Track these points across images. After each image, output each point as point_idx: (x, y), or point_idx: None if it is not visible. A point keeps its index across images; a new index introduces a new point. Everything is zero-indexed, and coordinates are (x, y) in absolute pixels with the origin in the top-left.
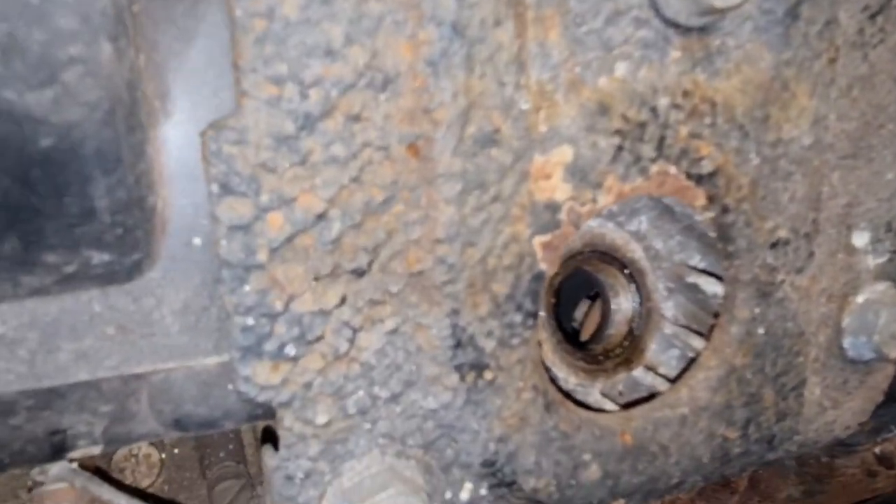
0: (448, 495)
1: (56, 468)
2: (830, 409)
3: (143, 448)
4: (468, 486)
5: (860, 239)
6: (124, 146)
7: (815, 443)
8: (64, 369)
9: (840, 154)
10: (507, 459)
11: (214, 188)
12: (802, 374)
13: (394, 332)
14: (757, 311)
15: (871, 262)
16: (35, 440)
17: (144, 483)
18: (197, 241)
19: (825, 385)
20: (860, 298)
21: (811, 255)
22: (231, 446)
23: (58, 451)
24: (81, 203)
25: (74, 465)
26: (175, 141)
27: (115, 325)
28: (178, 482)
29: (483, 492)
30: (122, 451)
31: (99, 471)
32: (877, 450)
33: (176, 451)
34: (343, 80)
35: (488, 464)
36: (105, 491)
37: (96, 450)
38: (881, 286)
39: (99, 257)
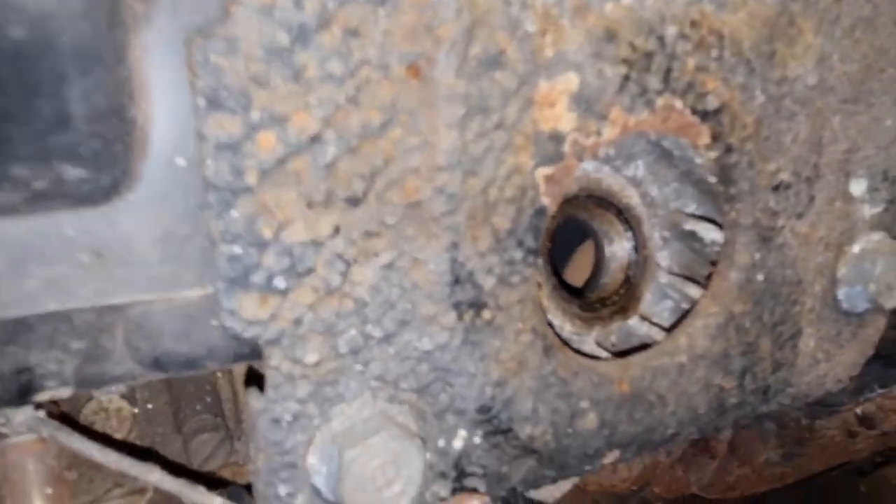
0: (441, 443)
1: (20, 416)
2: (823, 362)
3: (115, 401)
4: (462, 433)
5: (857, 187)
6: (104, 44)
7: (807, 396)
8: (32, 298)
9: (841, 97)
10: (503, 405)
11: (201, 102)
12: (798, 324)
13: (389, 266)
14: (757, 256)
15: (868, 211)
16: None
17: (115, 437)
18: (181, 161)
19: (819, 336)
20: (856, 248)
21: (811, 200)
22: (208, 399)
23: (24, 392)
24: (55, 106)
25: (41, 413)
26: (157, 48)
27: (90, 252)
28: (152, 437)
29: (477, 440)
30: (91, 405)
31: (68, 421)
32: (858, 410)
33: (149, 405)
34: None
35: (484, 410)
36: (75, 440)
37: (66, 392)
38: (877, 236)
39: (73, 172)
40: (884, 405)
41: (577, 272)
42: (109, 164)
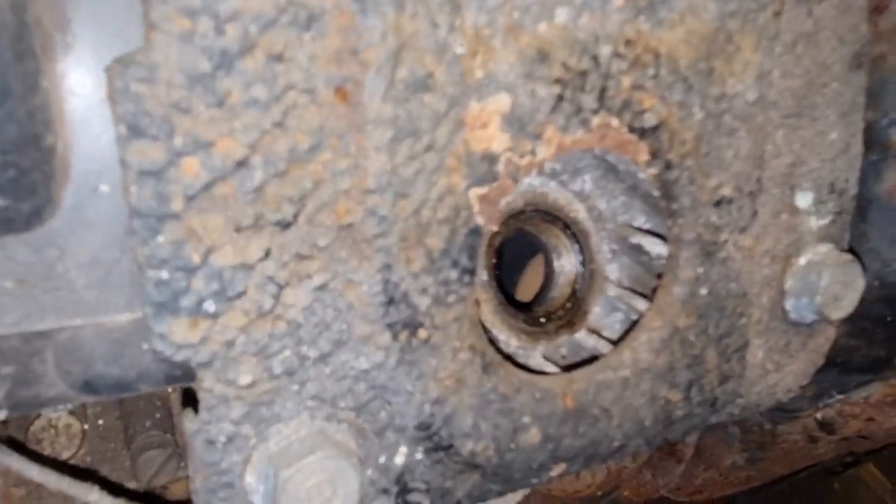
0: (382, 459)
1: None
2: (773, 372)
3: (63, 418)
4: (403, 449)
5: (803, 199)
6: (11, 75)
7: (758, 406)
8: None
9: (784, 112)
10: (443, 422)
11: (122, 129)
12: (745, 335)
13: (322, 288)
14: (700, 270)
15: (815, 223)
16: None
17: (65, 455)
18: (105, 187)
19: (768, 347)
20: (803, 260)
21: (755, 214)
22: (158, 415)
23: None
24: None
25: None
26: (77, 77)
27: (14, 279)
28: (102, 453)
29: (419, 456)
30: (40, 422)
31: (12, 441)
32: (818, 415)
33: (100, 421)
34: (263, 15)
35: (424, 427)
36: (14, 461)
37: (0, 415)
38: (824, 248)
39: None
40: (843, 411)
41: (530, 285)
42: (28, 192)
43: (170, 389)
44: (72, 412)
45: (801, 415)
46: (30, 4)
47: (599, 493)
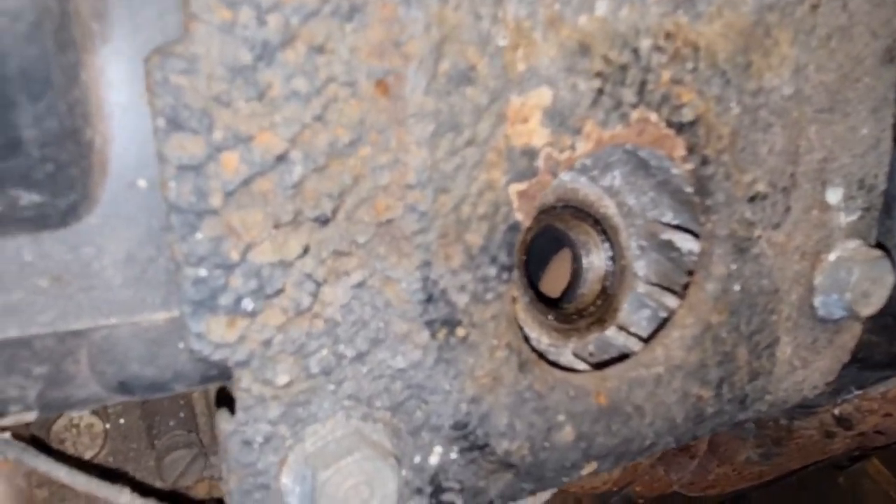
0: (417, 459)
1: None
2: (800, 369)
3: (85, 417)
4: (438, 449)
5: (834, 195)
6: (54, 67)
7: (784, 402)
8: None
9: (817, 107)
10: (479, 421)
11: (161, 123)
12: (775, 332)
13: (360, 285)
14: (733, 267)
15: (844, 219)
16: None
17: (87, 455)
18: (142, 182)
19: (796, 344)
20: (832, 256)
21: (788, 210)
22: (182, 414)
23: None
24: (4, 132)
25: (7, 434)
26: (115, 69)
27: (49, 277)
28: (125, 453)
29: (453, 455)
30: (62, 421)
31: (35, 441)
32: (836, 411)
33: (121, 420)
34: (305, 6)
35: (460, 426)
36: (42, 462)
37: (30, 416)
38: (853, 244)
39: (28, 198)
40: (861, 406)
41: (553, 281)
42: (66, 187)
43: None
44: (94, 411)
45: (819, 410)
46: None
47: (615, 488)
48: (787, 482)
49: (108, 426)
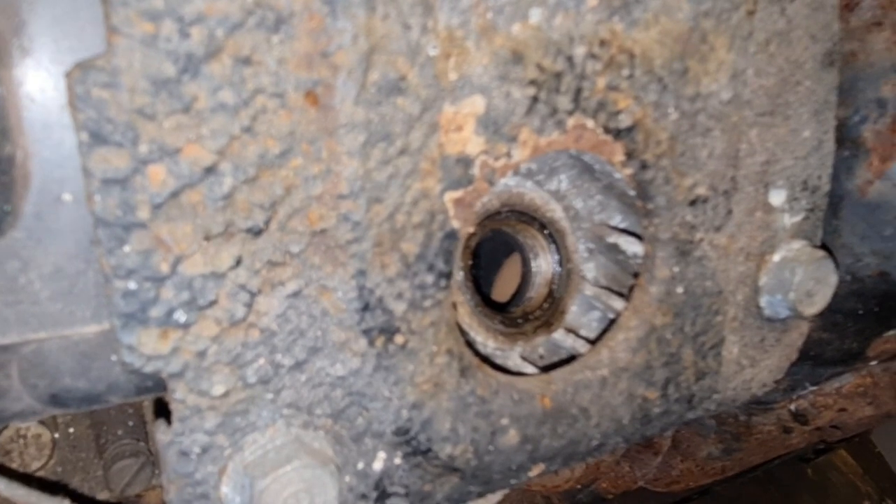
0: (360, 465)
1: None
2: (748, 368)
3: (33, 427)
4: (381, 455)
5: (777, 197)
6: None
7: (734, 401)
8: None
9: (758, 111)
10: (421, 427)
11: (84, 137)
12: (721, 333)
13: (296, 295)
14: (676, 269)
15: (788, 220)
16: None
17: (34, 465)
18: (67, 196)
19: (743, 343)
20: (777, 257)
21: (729, 212)
22: (131, 423)
23: None
24: None
25: None
26: (35, 83)
27: None
28: (73, 463)
29: (397, 461)
30: (7, 433)
31: None
32: (792, 406)
33: (71, 429)
34: (229, 17)
35: (402, 432)
36: None
37: None
38: (797, 244)
39: None
40: (816, 402)
41: (507, 284)
42: None
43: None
44: (42, 421)
45: (776, 406)
46: None
47: (578, 486)
48: (754, 475)
49: (56, 436)
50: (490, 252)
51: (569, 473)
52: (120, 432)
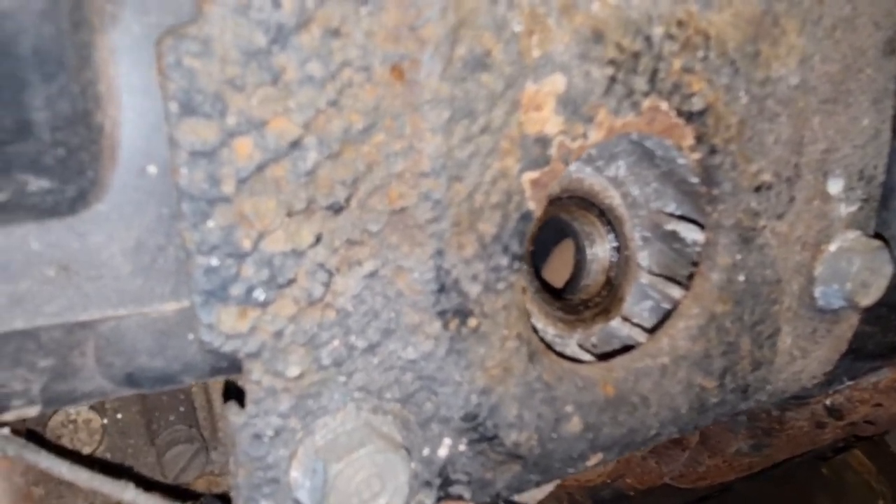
0: (426, 452)
1: None
2: (799, 359)
3: (83, 412)
4: (447, 441)
5: (835, 186)
6: (68, 47)
7: (784, 392)
8: None
9: (822, 97)
10: (489, 413)
11: (173, 107)
12: (777, 322)
13: (372, 275)
14: (738, 257)
15: (844, 209)
16: None
17: (85, 451)
18: (152, 169)
19: (796, 334)
20: (833, 247)
21: (792, 200)
22: (182, 408)
23: None
24: (15, 114)
25: (5, 430)
26: (126, 50)
27: (57, 266)
28: (123, 449)
29: (462, 447)
30: (58, 417)
31: (33, 435)
32: (827, 401)
33: (119, 415)
34: None
35: (469, 418)
36: (43, 458)
37: (33, 411)
38: (852, 234)
39: (36, 183)
40: (852, 397)
41: (555, 272)
42: (75, 173)
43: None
44: (92, 407)
45: (811, 401)
46: None
47: (608, 480)
48: (771, 474)
49: (105, 421)
50: (538, 240)
51: (602, 467)
52: (172, 418)
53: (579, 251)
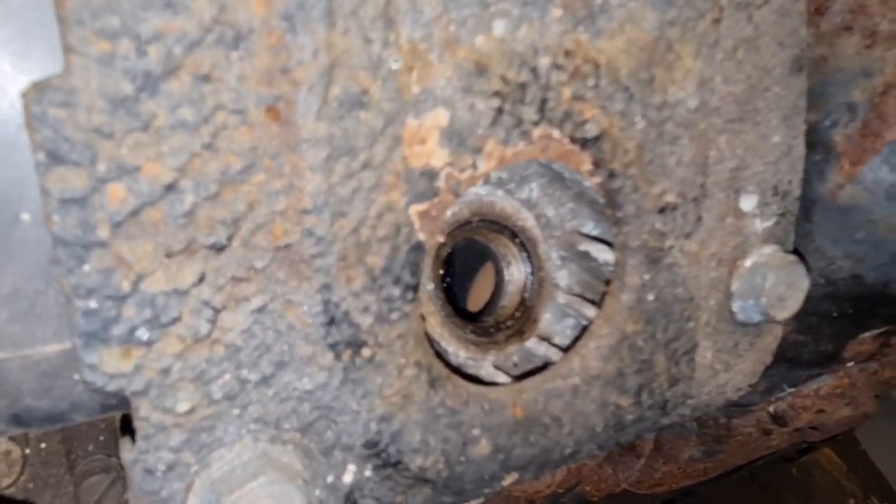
0: (330, 479)
1: None
2: (722, 372)
3: (3, 444)
4: (351, 468)
5: (748, 202)
6: None
7: (708, 405)
8: None
9: (727, 117)
10: (391, 439)
11: (41, 157)
12: (693, 338)
13: (261, 310)
14: (647, 277)
15: (759, 225)
16: None
17: (4, 482)
18: (26, 216)
19: (717, 349)
20: (748, 262)
21: (699, 219)
22: (102, 437)
23: None
24: None
25: None
26: None
27: None
28: (45, 479)
29: (368, 473)
30: None
31: None
32: (770, 409)
33: (42, 444)
34: (187, 35)
35: (371, 444)
36: None
37: None
38: (769, 249)
39: None
40: (794, 404)
41: (483, 293)
42: None
43: None
44: (12, 437)
45: (755, 408)
46: None
47: (561, 490)
48: (739, 476)
49: (27, 451)
50: (464, 260)
51: (550, 478)
52: (91, 447)
53: (497, 273)
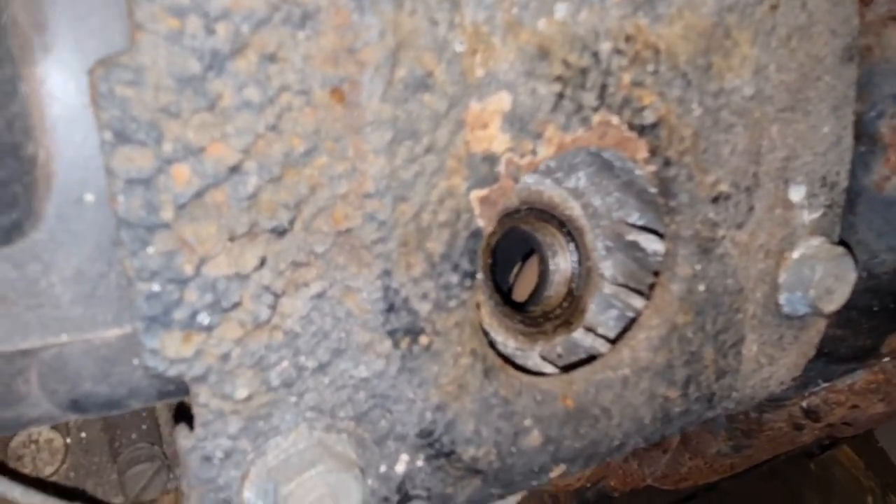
0: (382, 468)
1: None
2: (766, 366)
3: (45, 432)
4: (404, 458)
5: (797, 193)
6: None
7: (752, 399)
8: None
9: (779, 106)
10: (444, 429)
11: (107, 136)
12: (741, 331)
13: (320, 296)
14: (698, 267)
15: (807, 216)
16: None
17: (47, 471)
18: (90, 197)
19: (762, 341)
20: (796, 254)
21: (751, 209)
22: (144, 426)
23: None
24: None
25: None
26: (58, 81)
27: None
28: (86, 467)
29: (420, 463)
30: (19, 438)
31: None
32: (804, 403)
33: (83, 433)
34: (255, 13)
35: (425, 434)
36: None
37: None
38: (816, 241)
39: None
40: (828, 399)
41: (527, 283)
42: (8, 205)
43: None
44: (54, 426)
45: (788, 403)
46: (5, 4)
47: (588, 484)
48: (759, 471)
49: (68, 440)
50: (506, 252)
51: (579, 472)
52: (134, 436)
53: (543, 263)
